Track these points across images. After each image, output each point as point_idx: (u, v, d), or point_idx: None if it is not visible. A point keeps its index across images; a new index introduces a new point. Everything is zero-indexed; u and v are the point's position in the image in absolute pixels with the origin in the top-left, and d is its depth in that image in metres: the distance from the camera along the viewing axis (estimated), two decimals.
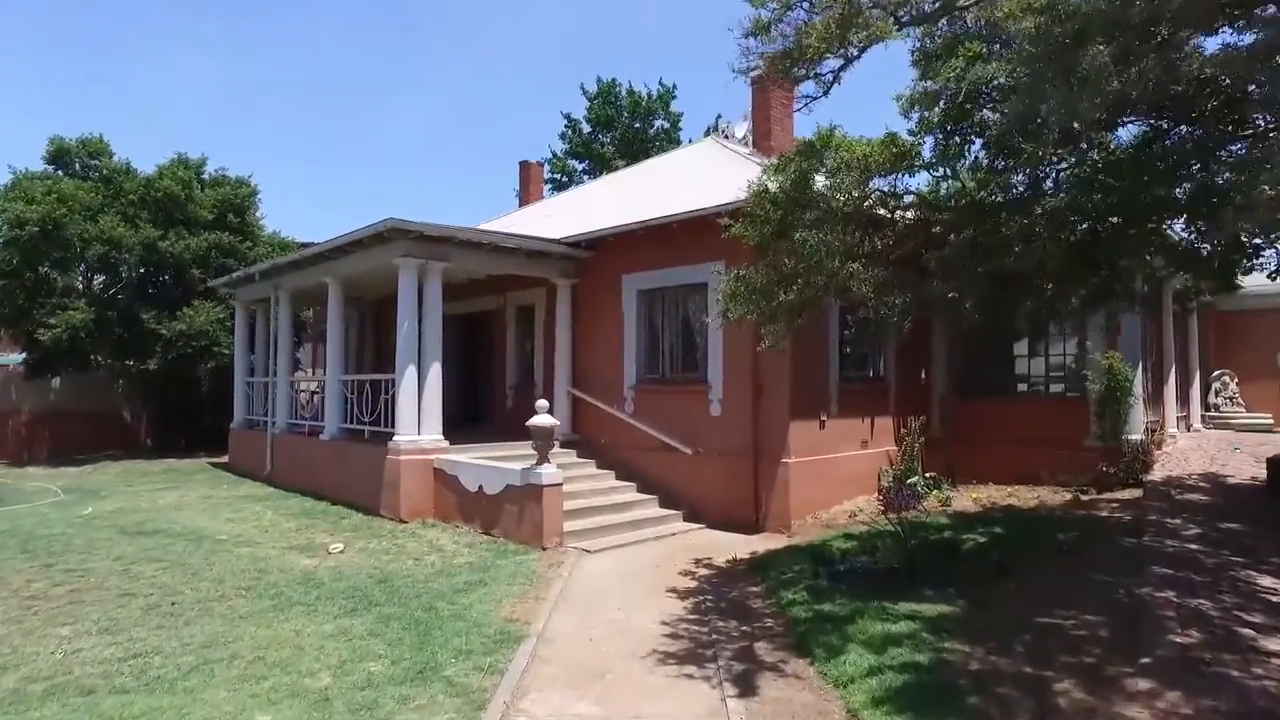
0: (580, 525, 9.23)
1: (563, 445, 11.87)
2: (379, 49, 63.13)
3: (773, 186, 6.34)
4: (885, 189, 6.26)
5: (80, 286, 17.68)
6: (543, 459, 8.88)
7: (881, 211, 6.47)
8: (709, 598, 6.88)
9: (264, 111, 64.97)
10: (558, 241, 12.06)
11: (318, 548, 8.60)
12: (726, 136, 16.74)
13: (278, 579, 7.28)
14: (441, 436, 10.64)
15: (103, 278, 17.57)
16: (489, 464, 9.68)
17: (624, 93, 32.49)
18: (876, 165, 5.87)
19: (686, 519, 10.26)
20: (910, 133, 6.24)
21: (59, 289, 16.35)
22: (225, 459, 16.33)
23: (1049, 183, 6.26)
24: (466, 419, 15.53)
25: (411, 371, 10.51)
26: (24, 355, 17.30)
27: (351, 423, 11.90)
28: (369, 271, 11.69)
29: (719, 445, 10.37)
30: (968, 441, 11.85)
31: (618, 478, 11.15)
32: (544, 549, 8.60)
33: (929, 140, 6.34)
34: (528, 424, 8.90)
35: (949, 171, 6.27)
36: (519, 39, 57.83)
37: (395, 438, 10.44)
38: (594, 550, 8.63)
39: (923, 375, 12.64)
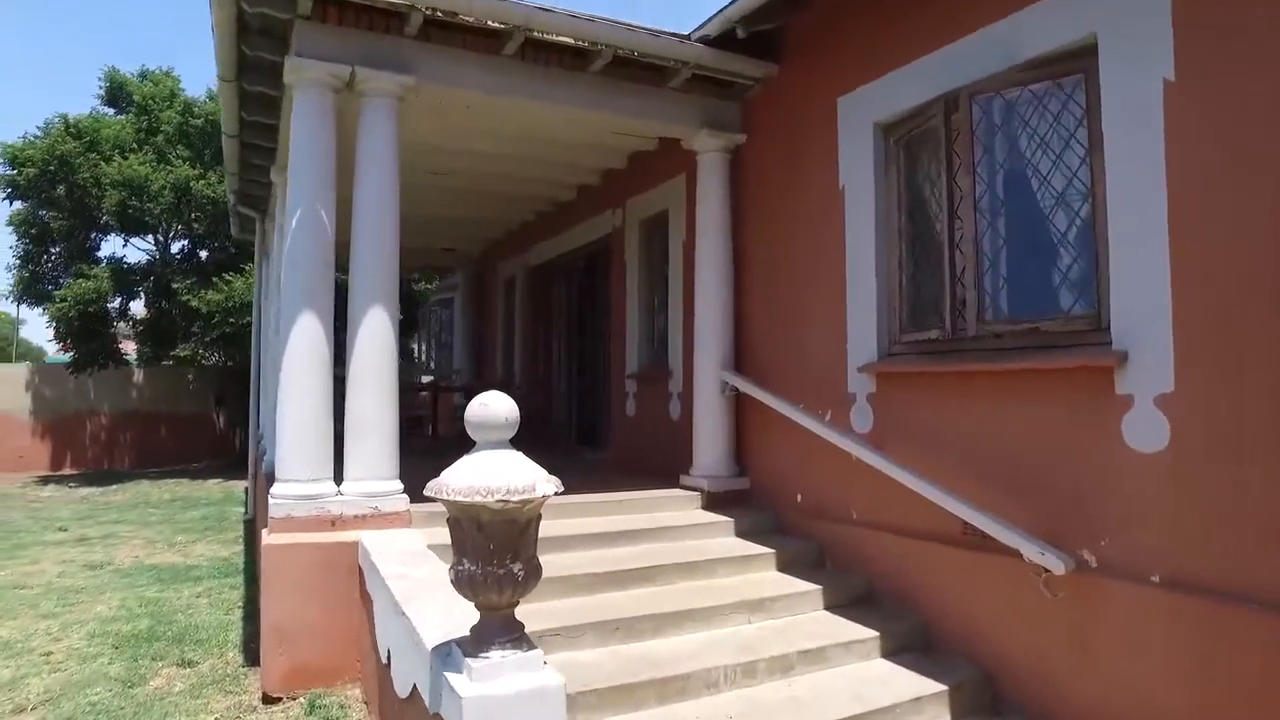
0: None
1: (710, 502, 5.41)
2: None
3: None
4: None
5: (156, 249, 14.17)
6: (487, 637, 2.34)
7: None
8: None
9: None
10: (685, 38, 5.45)
11: None
12: None
13: None
14: (393, 481, 4.56)
15: (154, 237, 13.85)
16: (399, 608, 3.32)
17: None
18: None
19: None
20: None
21: (83, 250, 12.83)
22: None
23: None
24: (582, 439, 9.47)
25: (309, 329, 4.52)
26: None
27: None
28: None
29: (1160, 548, 3.17)
30: None
31: (832, 602, 4.35)
32: None
33: None
34: (429, 489, 2.40)
35: None
36: None
37: (273, 489, 4.47)
38: None
39: None
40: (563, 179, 8.23)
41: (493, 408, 2.36)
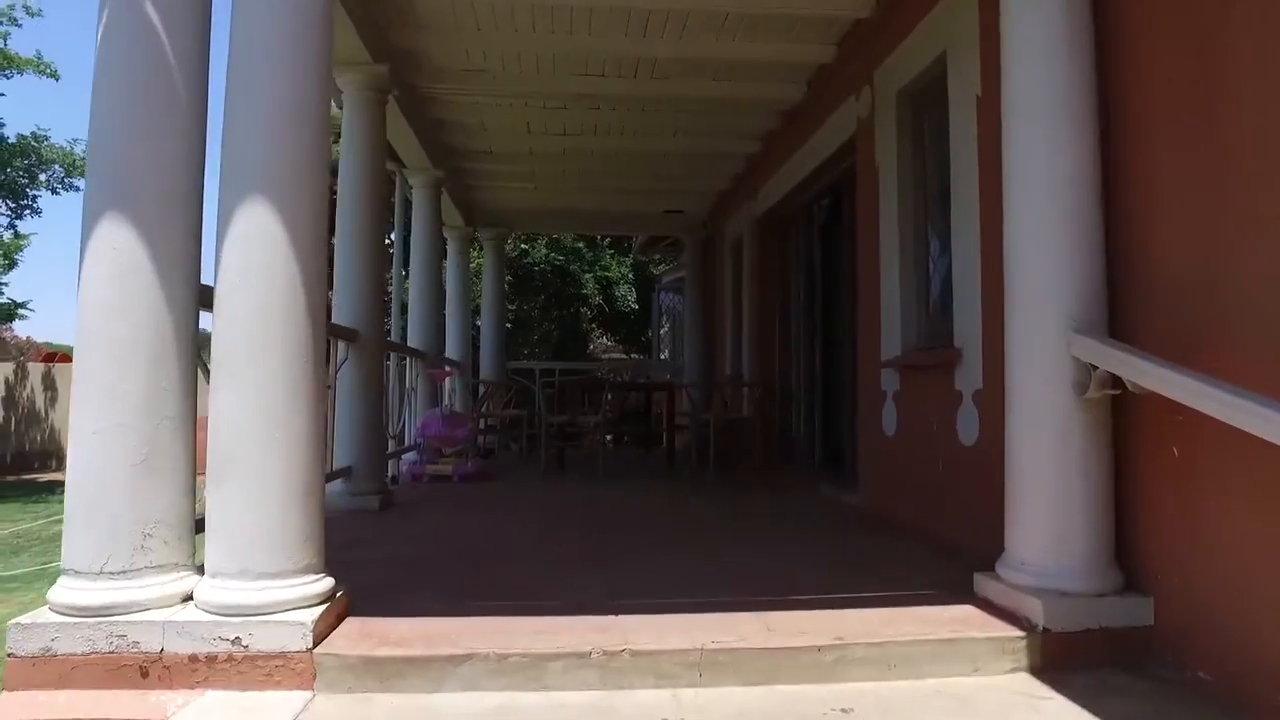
0: None
1: (1050, 655, 2.12)
2: None
3: None
4: None
5: None
6: None
7: None
8: None
9: None
10: None
11: None
12: None
13: None
14: (292, 580, 2.11)
15: None
16: None
17: None
18: None
19: None
20: None
21: None
22: None
23: None
24: (827, 465, 6.38)
25: (123, 250, 2.18)
26: None
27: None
28: None
29: None
30: None
31: None
32: None
33: None
34: None
35: None
36: None
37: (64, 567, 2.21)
38: None
39: None
40: (783, 59, 5.34)
41: None
